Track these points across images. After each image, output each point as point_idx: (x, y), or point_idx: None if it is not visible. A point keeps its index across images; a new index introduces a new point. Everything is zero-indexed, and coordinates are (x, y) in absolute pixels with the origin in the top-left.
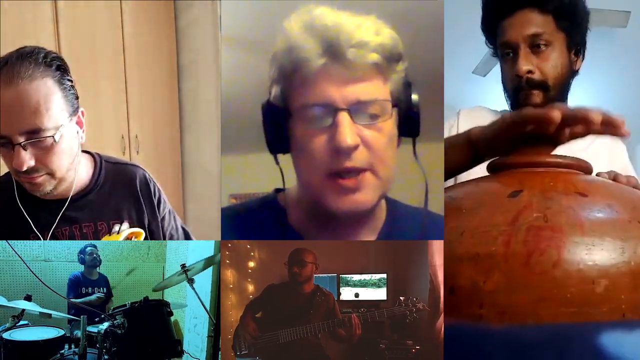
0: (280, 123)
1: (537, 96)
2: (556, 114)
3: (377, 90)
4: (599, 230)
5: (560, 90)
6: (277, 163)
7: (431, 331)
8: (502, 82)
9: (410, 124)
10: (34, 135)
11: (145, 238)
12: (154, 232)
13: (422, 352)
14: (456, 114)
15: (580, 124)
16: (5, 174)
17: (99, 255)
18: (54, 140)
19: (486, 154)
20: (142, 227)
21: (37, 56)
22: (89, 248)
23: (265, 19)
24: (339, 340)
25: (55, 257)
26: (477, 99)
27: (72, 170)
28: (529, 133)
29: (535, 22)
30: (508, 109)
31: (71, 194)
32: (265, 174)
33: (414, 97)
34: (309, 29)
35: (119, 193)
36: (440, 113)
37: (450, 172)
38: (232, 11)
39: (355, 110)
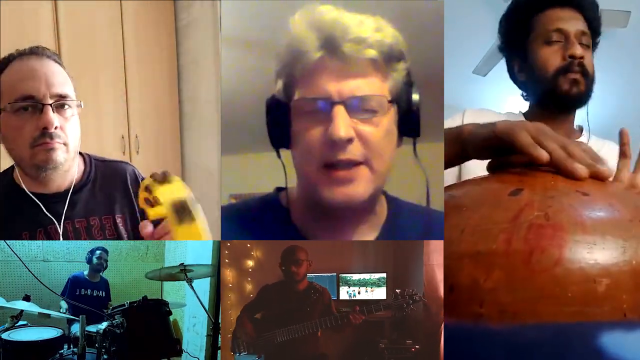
0: (282, 117)
1: (581, 83)
2: (545, 157)
3: (373, 87)
4: (600, 229)
5: (590, 88)
6: (279, 157)
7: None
8: (534, 71)
9: (410, 123)
10: (63, 99)
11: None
12: None
13: (422, 351)
14: (462, 113)
15: (566, 174)
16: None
17: (106, 261)
18: (80, 106)
19: (473, 154)
20: (135, 222)
21: (47, 51)
22: (99, 251)
23: (265, 19)
24: (343, 328)
25: (54, 257)
26: (478, 98)
27: (74, 160)
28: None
29: (582, 23)
30: (514, 112)
31: (71, 189)
32: (265, 174)
33: (415, 97)
34: (310, 24)
35: (110, 189)
36: (440, 113)
37: None
38: (232, 11)
39: (351, 104)
